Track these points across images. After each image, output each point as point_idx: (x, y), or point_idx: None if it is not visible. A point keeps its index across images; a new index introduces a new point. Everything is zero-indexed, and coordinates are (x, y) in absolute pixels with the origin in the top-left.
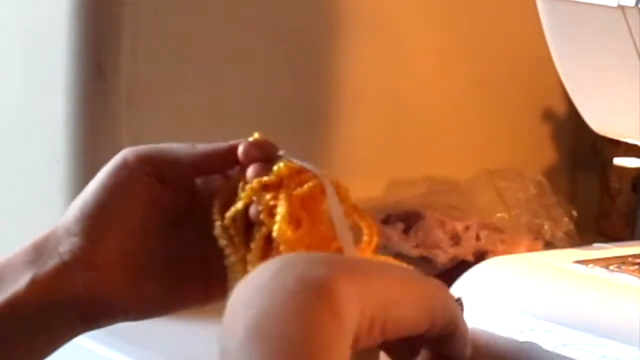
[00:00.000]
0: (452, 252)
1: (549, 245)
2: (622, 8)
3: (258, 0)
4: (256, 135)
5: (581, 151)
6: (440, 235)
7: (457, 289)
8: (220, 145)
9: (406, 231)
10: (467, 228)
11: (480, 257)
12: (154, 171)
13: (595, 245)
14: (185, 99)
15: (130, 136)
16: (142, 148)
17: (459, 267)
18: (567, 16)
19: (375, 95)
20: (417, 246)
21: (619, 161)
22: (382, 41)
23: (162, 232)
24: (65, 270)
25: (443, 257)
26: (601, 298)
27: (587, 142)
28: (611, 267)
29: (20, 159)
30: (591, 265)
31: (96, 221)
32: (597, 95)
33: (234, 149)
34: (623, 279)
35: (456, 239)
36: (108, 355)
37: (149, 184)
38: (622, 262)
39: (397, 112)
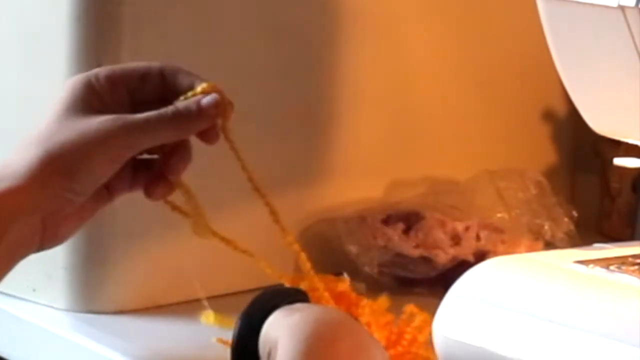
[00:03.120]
0: (452, 252)
1: (549, 245)
2: (622, 8)
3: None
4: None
5: (581, 151)
6: (440, 235)
7: (457, 288)
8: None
9: (406, 231)
10: (467, 228)
11: (480, 257)
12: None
13: (595, 245)
14: None
15: None
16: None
17: (459, 267)
18: (567, 16)
19: (376, 95)
20: (417, 246)
21: (619, 161)
22: (382, 41)
23: None
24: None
25: (443, 257)
26: (601, 298)
27: (587, 142)
28: (611, 267)
29: None
30: (591, 265)
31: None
32: (597, 95)
33: None
34: (623, 279)
35: (456, 239)
36: (108, 355)
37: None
38: (622, 262)
39: (398, 112)
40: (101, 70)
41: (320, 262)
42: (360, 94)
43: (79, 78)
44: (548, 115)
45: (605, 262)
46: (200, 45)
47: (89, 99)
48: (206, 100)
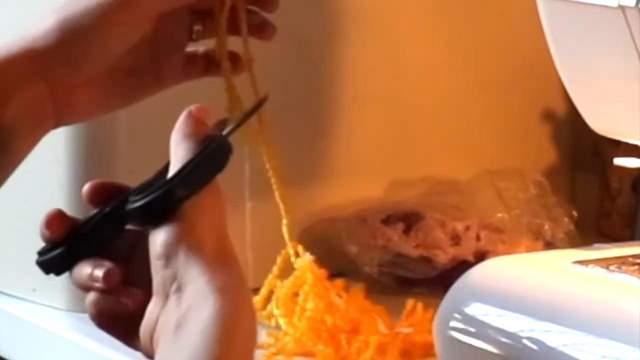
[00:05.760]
0: (452, 252)
1: (549, 245)
2: (622, 8)
3: None
4: None
5: (581, 151)
6: (440, 235)
7: (457, 288)
8: None
9: (406, 231)
10: (467, 228)
11: (480, 257)
12: None
13: (595, 245)
14: (185, 98)
15: (129, 135)
16: None
17: (459, 267)
18: (567, 16)
19: (375, 95)
20: (417, 246)
21: (619, 161)
22: (382, 41)
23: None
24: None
25: (443, 257)
26: (601, 298)
27: (587, 142)
28: (611, 267)
29: None
30: (591, 265)
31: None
32: (597, 95)
33: None
34: (623, 279)
35: (456, 239)
36: (108, 355)
37: None
38: (622, 262)
39: (397, 112)
40: None
41: (320, 262)
42: (360, 94)
43: None
44: (548, 115)
45: (605, 262)
46: (199, 46)
47: None
48: None
